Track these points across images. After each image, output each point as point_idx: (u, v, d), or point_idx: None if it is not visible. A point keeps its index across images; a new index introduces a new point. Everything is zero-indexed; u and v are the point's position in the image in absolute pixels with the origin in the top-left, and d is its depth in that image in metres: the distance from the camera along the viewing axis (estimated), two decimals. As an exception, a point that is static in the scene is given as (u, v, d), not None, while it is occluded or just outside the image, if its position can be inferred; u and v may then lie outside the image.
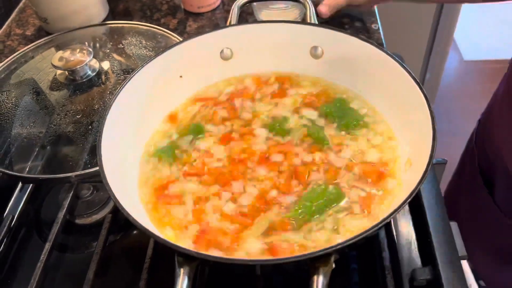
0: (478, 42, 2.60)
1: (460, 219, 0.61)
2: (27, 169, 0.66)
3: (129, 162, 0.58)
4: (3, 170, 0.64)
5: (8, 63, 0.81)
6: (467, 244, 0.58)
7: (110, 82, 0.76)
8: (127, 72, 0.77)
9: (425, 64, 1.91)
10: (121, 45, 0.83)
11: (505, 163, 0.77)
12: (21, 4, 1.09)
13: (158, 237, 0.45)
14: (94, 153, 0.51)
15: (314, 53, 0.67)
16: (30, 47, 0.84)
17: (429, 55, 1.87)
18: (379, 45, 0.62)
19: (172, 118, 0.65)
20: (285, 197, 0.54)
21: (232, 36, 0.66)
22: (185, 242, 0.51)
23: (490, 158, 0.82)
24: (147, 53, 0.81)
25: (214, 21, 0.99)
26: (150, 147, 0.62)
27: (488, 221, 0.85)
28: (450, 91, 2.32)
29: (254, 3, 0.85)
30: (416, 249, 0.59)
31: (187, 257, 0.43)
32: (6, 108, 0.73)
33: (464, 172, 0.94)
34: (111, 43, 0.84)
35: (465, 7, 1.73)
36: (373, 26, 0.93)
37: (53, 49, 0.84)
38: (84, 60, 0.73)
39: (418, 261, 0.58)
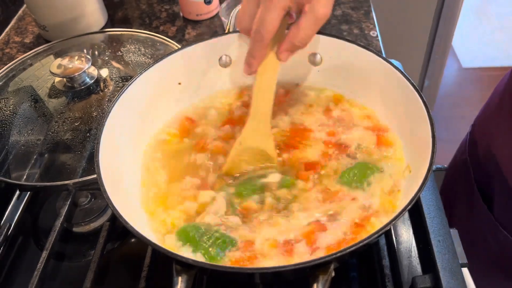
0: (476, 49, 2.62)
1: (458, 229, 0.61)
2: (24, 177, 0.66)
3: (127, 169, 0.58)
4: (0, 177, 0.64)
5: (6, 70, 0.81)
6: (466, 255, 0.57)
7: (108, 89, 0.75)
8: (126, 79, 0.77)
9: (424, 72, 1.91)
10: (119, 52, 0.83)
11: (505, 177, 0.75)
12: (20, 12, 1.09)
13: (156, 245, 0.44)
14: (92, 160, 0.51)
15: (313, 60, 0.67)
16: (28, 55, 0.84)
17: (427, 62, 1.87)
18: (378, 52, 0.62)
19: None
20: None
21: (230, 43, 0.66)
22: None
23: (487, 172, 0.80)
24: (146, 61, 0.81)
25: (213, 28, 0.99)
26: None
27: (488, 235, 0.83)
28: (449, 98, 2.33)
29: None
30: (417, 257, 0.59)
31: (185, 266, 0.43)
32: (4, 115, 0.72)
33: (459, 185, 0.92)
34: (109, 51, 0.84)
35: (463, 14, 1.73)
36: (371, 33, 0.93)
37: (51, 56, 0.84)
38: (83, 67, 0.73)
39: (418, 268, 0.58)
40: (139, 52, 0.83)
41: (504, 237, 0.77)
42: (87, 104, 0.73)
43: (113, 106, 0.57)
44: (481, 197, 0.81)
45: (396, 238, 0.60)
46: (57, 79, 0.75)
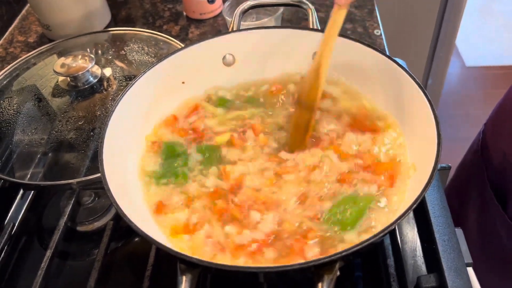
0: (480, 48, 2.60)
1: (465, 228, 0.60)
2: (28, 176, 0.66)
3: (131, 168, 0.58)
4: (4, 177, 0.64)
5: (10, 69, 0.81)
6: (472, 253, 0.57)
7: (112, 88, 0.75)
8: (129, 78, 0.77)
9: (427, 70, 1.90)
10: (123, 51, 0.83)
11: None
12: (23, 12, 1.09)
13: (160, 244, 0.44)
14: (96, 159, 0.51)
15: (317, 58, 0.66)
16: (32, 54, 0.84)
17: (431, 61, 1.86)
18: (382, 50, 0.61)
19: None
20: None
21: (234, 42, 0.66)
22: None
23: (501, 171, 0.79)
24: (149, 60, 0.80)
25: (217, 27, 0.99)
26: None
27: (500, 234, 0.82)
28: (453, 97, 2.32)
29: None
30: (421, 256, 0.58)
31: (189, 264, 0.43)
32: (8, 114, 0.72)
33: (471, 184, 0.91)
34: (113, 50, 0.84)
35: (467, 13, 1.72)
36: (375, 32, 0.93)
37: (55, 55, 0.84)
38: (86, 66, 0.73)
39: (423, 268, 0.57)
40: (142, 51, 0.82)
41: None
42: (90, 103, 0.73)
43: (116, 105, 0.57)
44: (495, 197, 0.81)
45: (401, 237, 0.60)
46: (61, 78, 0.75)
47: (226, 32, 0.67)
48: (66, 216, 0.63)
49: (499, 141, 0.81)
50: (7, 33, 1.03)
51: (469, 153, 0.93)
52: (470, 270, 0.58)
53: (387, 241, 0.59)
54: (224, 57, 0.67)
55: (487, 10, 2.85)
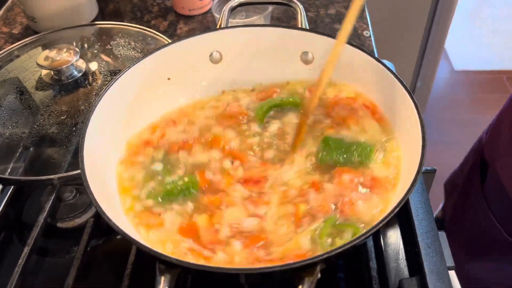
0: (469, 52, 2.62)
1: (460, 227, 0.60)
2: (8, 171, 0.65)
3: (112, 165, 0.57)
4: (-17, 171, 0.63)
5: (-8, 61, 0.79)
6: (463, 254, 0.57)
7: (96, 83, 0.74)
8: (115, 73, 0.76)
9: (416, 73, 1.91)
10: (109, 46, 0.82)
11: (508, 193, 0.75)
12: (9, 3, 1.07)
13: (140, 243, 0.44)
14: (78, 155, 0.50)
15: (305, 58, 0.66)
16: (16, 46, 0.83)
17: (420, 64, 1.87)
18: (370, 52, 0.61)
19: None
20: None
21: (221, 39, 0.65)
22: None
23: (493, 184, 0.81)
24: (136, 55, 0.79)
25: (205, 24, 0.98)
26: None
27: (490, 239, 0.84)
28: (441, 101, 2.33)
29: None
30: (404, 259, 0.58)
31: (169, 265, 0.42)
32: (-11, 107, 0.71)
33: (470, 192, 0.92)
34: (99, 44, 0.83)
35: (457, 16, 1.74)
36: (364, 33, 0.92)
37: (39, 48, 0.83)
38: (70, 60, 0.72)
39: (405, 271, 0.57)
40: (129, 46, 0.81)
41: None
42: (74, 97, 0.72)
43: (99, 100, 0.56)
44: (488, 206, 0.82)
45: (384, 240, 0.60)
46: (44, 71, 0.74)
47: (214, 29, 0.66)
48: (46, 212, 0.62)
49: (495, 149, 0.82)
50: (-9, 24, 1.01)
51: (470, 161, 0.94)
52: (452, 274, 0.58)
53: (370, 243, 0.58)
54: (211, 54, 0.66)
55: (477, 15, 2.87)
